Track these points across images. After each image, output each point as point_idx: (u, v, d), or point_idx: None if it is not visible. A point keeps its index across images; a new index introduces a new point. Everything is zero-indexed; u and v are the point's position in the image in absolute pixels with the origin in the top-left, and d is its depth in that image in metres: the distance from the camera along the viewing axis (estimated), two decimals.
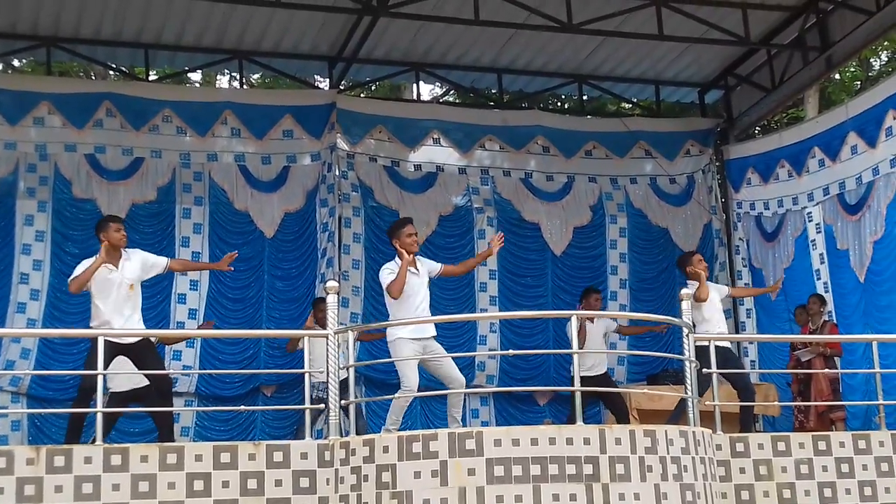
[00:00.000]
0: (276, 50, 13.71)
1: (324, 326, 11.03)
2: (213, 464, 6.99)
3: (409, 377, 8.23)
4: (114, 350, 8.12)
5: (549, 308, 13.55)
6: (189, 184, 13.01)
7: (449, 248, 13.56)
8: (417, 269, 8.58)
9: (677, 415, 9.33)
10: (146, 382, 8.86)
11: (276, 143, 13.38)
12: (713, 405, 8.24)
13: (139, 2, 12.12)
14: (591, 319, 11.02)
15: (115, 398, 9.26)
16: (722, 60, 14.77)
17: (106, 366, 7.72)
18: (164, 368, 8.82)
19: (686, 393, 7.82)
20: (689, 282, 10.07)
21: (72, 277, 8.47)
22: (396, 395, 8.34)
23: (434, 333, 8.43)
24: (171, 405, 8.81)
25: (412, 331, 8.29)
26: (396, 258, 8.59)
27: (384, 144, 13.91)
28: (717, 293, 10.17)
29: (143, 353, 8.36)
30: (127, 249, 8.67)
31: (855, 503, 7.96)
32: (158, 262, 8.84)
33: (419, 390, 8.34)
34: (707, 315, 9.92)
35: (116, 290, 8.42)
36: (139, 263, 8.65)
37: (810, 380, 11.72)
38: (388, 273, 8.54)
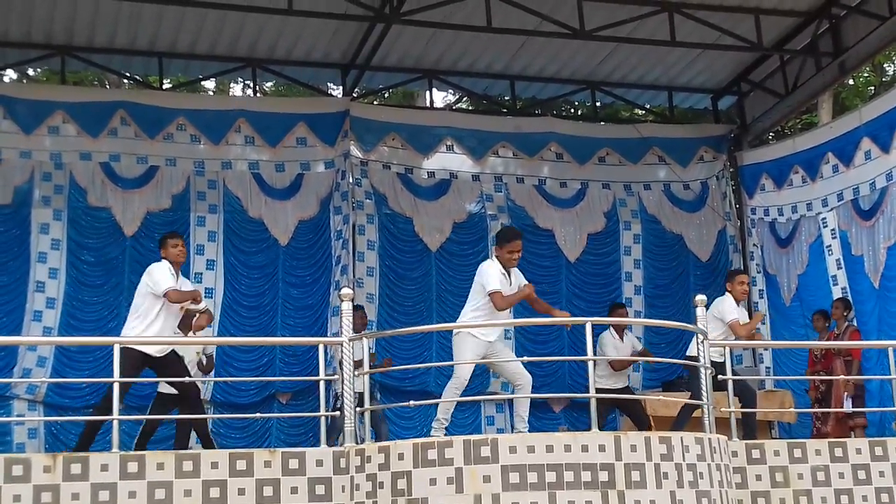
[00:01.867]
0: (288, 58, 13.75)
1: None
2: (229, 471, 7.01)
3: (462, 370, 8.29)
4: (142, 362, 8.29)
5: None
6: (203, 192, 13.05)
7: (463, 255, 13.58)
8: (511, 280, 8.52)
9: (682, 422, 9.32)
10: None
11: (289, 150, 13.42)
12: (728, 412, 8.24)
13: (153, 11, 12.16)
14: (621, 338, 10.99)
15: (160, 399, 9.53)
16: (735, 66, 14.75)
17: (135, 376, 7.89)
18: (190, 382, 8.94)
19: (701, 399, 7.82)
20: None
21: (170, 287, 8.54)
22: (413, 402, 8.37)
23: (495, 338, 8.43)
24: (202, 412, 8.94)
25: (479, 330, 8.31)
26: (493, 258, 8.56)
27: (397, 152, 13.94)
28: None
29: (170, 367, 8.47)
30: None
31: None
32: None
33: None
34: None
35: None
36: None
37: (831, 387, 11.69)
38: (494, 278, 8.42)
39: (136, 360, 8.19)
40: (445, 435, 8.04)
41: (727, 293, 9.78)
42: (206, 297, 12.58)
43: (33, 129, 12.56)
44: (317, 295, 13.02)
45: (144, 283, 8.64)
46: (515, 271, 8.62)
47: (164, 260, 8.75)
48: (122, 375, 7.79)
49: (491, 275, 8.38)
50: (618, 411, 11.68)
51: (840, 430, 11.36)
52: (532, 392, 12.98)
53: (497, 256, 8.52)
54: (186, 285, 8.89)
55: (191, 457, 7.04)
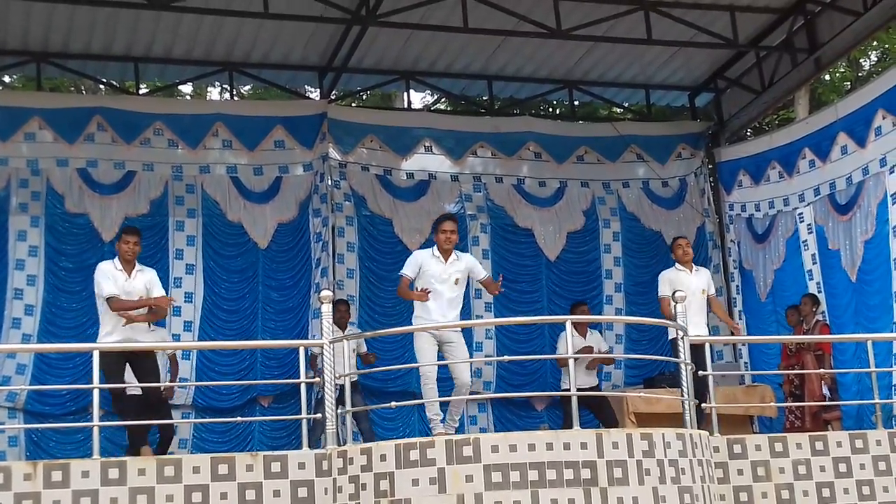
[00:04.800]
0: (265, 61, 13.72)
1: (343, 328, 11.22)
2: (211, 475, 7.00)
3: (423, 367, 8.53)
4: (124, 357, 8.30)
5: (544, 314, 13.56)
6: (182, 196, 13.00)
7: None
8: (447, 262, 8.77)
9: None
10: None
11: (267, 153, 13.38)
12: (709, 407, 8.27)
13: (128, 16, 12.10)
14: (584, 336, 11.22)
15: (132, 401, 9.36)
16: (711, 63, 14.81)
17: (120, 374, 7.98)
18: (159, 379, 8.87)
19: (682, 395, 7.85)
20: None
21: (109, 295, 8.54)
22: (395, 403, 8.42)
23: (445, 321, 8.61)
24: (166, 414, 8.90)
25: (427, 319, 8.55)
26: (434, 248, 8.86)
27: (376, 153, 13.91)
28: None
29: (144, 361, 8.46)
30: (142, 266, 8.92)
31: (853, 503, 7.98)
32: (155, 289, 8.95)
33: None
34: None
35: (126, 298, 8.61)
36: (150, 279, 8.87)
37: (804, 380, 11.79)
38: (406, 265, 8.87)
39: (116, 360, 8.20)
40: (443, 427, 8.19)
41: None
42: (185, 301, 12.66)
43: (9, 135, 12.47)
44: (297, 298, 13.00)
45: (95, 284, 8.71)
46: (466, 256, 9.01)
47: (114, 258, 8.83)
48: (108, 377, 7.82)
49: (406, 263, 8.86)
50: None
51: (816, 425, 11.43)
52: (514, 391, 13.14)
53: (436, 242, 8.85)
54: (155, 287, 8.85)
55: (172, 462, 7.04)
